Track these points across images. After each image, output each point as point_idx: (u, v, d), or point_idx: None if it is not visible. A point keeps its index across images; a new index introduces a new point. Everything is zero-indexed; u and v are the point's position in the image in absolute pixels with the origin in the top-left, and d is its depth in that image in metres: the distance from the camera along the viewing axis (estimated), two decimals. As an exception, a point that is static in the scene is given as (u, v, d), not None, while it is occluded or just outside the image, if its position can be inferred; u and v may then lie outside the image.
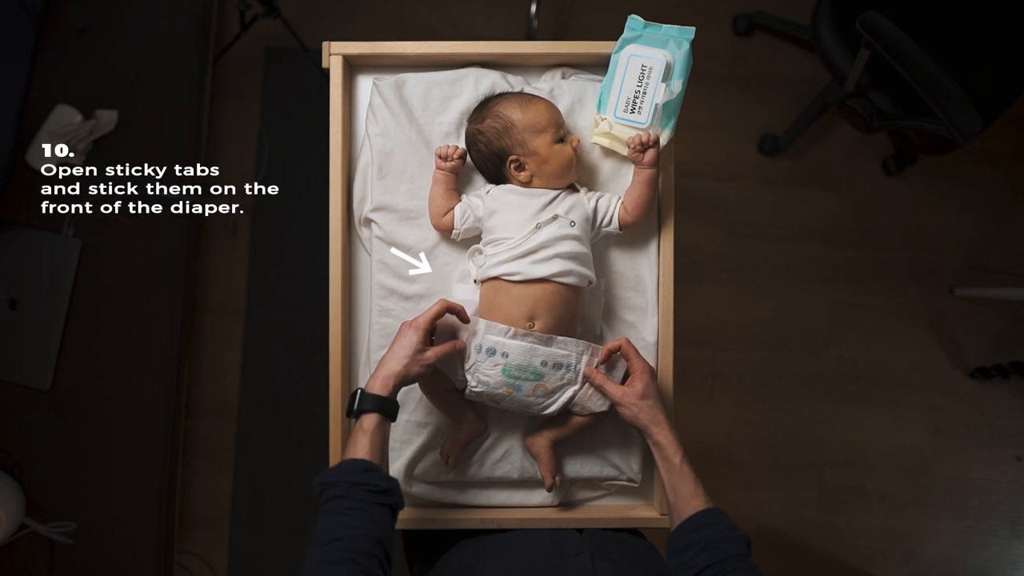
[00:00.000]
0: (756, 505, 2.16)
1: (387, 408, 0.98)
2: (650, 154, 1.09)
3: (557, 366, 1.06)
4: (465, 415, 1.13)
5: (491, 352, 1.04)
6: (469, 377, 1.06)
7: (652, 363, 1.17)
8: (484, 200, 1.10)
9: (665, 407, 1.06)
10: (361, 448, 0.94)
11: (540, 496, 1.18)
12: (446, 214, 1.12)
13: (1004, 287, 2.17)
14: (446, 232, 1.14)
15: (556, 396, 1.07)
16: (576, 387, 1.08)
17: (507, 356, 1.04)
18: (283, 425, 2.15)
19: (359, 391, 0.98)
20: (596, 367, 1.07)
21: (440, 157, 1.12)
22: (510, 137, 1.08)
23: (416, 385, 1.14)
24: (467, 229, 1.12)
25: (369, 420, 0.96)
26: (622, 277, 1.18)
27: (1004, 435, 2.22)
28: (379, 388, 0.98)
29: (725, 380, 2.20)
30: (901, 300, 2.23)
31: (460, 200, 1.13)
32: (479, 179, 1.17)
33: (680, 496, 1.00)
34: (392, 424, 1.01)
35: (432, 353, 1.01)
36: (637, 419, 1.04)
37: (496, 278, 1.06)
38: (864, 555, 2.19)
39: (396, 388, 0.99)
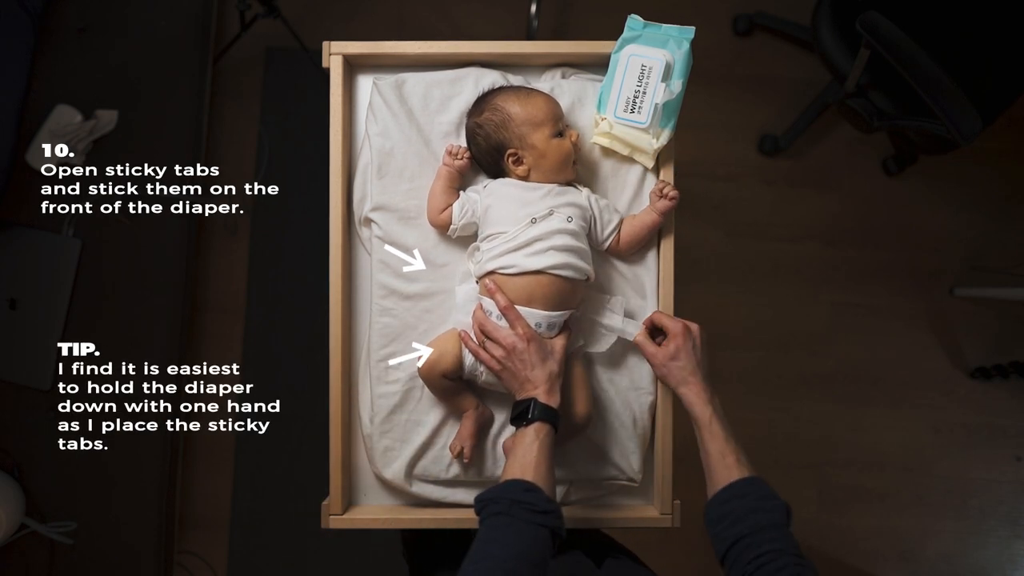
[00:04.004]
0: (756, 505, 2.16)
1: (556, 418, 0.99)
2: (663, 204, 1.11)
3: (551, 326, 1.06)
4: (468, 403, 1.12)
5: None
6: (467, 359, 1.08)
7: (652, 363, 1.17)
8: (481, 195, 1.10)
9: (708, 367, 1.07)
10: (528, 458, 0.94)
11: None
12: (444, 211, 1.12)
13: (1004, 287, 2.17)
14: (443, 228, 1.13)
15: None
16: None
17: None
18: (283, 425, 2.15)
19: (533, 400, 0.99)
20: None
21: (449, 154, 1.12)
22: (508, 130, 1.08)
23: (415, 383, 1.14)
24: (464, 226, 1.11)
25: (541, 430, 0.97)
26: (622, 277, 1.18)
27: (1004, 435, 2.22)
28: (547, 397, 1.00)
29: (725, 380, 2.20)
30: (901, 300, 2.23)
31: (458, 198, 1.13)
32: (480, 178, 1.17)
33: (711, 455, 0.98)
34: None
35: (561, 342, 1.05)
36: (667, 380, 1.07)
37: (492, 272, 1.06)
38: (864, 555, 2.19)
39: (559, 397, 1.01)
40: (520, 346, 1.01)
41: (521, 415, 0.99)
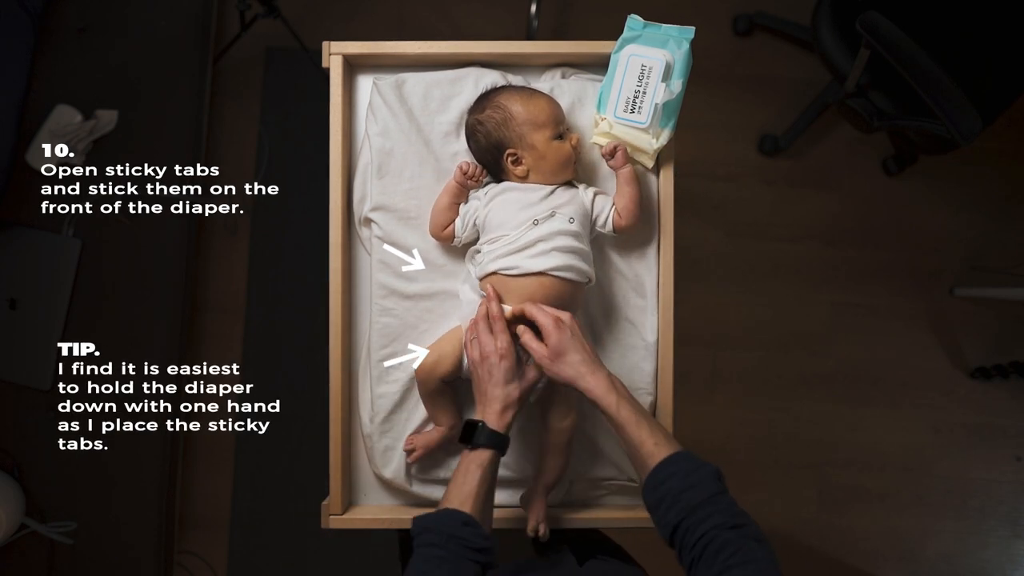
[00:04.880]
0: (756, 505, 2.15)
1: (502, 444, 0.98)
2: (618, 156, 1.09)
3: None
4: (446, 420, 1.12)
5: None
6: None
7: (652, 363, 1.17)
8: (482, 201, 1.10)
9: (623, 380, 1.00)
10: (468, 487, 0.94)
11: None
12: (447, 227, 1.12)
13: (1004, 287, 2.17)
14: (446, 242, 1.14)
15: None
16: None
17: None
18: (283, 425, 2.15)
19: (480, 424, 0.97)
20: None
21: (463, 172, 1.11)
22: (509, 129, 1.08)
23: (415, 383, 1.13)
24: (468, 235, 1.12)
25: (483, 456, 0.96)
26: (622, 277, 1.18)
27: (1004, 435, 2.22)
28: (496, 423, 0.97)
29: (725, 380, 2.20)
30: (901, 300, 2.23)
31: (459, 213, 1.12)
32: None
33: (630, 444, 0.94)
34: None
35: (533, 373, 1.01)
36: (559, 378, 0.99)
37: (494, 273, 1.06)
38: (864, 555, 2.19)
39: (511, 422, 0.99)
40: (492, 359, 0.99)
41: (466, 437, 0.98)
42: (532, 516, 1.10)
